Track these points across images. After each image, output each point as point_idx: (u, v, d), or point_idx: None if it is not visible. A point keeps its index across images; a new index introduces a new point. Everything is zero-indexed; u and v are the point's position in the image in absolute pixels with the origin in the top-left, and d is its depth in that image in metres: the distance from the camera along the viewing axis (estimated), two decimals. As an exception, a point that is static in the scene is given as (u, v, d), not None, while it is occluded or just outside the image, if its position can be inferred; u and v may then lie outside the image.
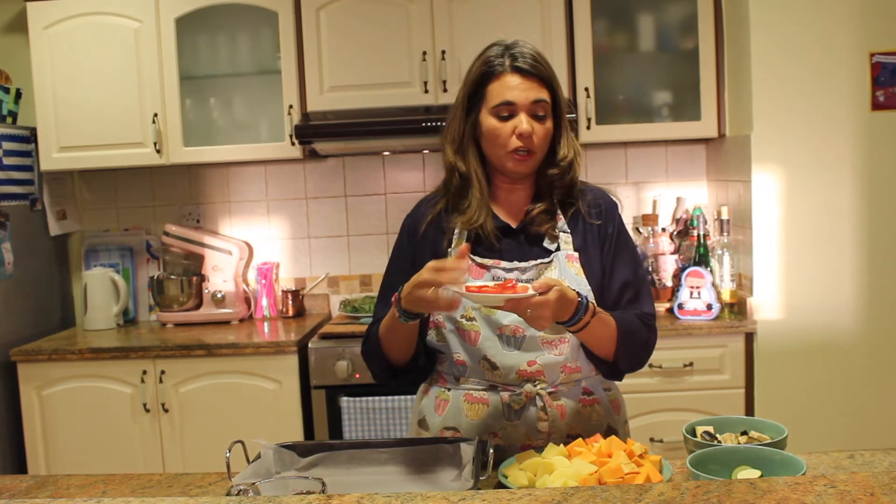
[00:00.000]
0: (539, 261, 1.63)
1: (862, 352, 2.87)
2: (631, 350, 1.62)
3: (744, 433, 1.48)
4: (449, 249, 1.66)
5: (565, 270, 1.62)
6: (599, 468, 1.35)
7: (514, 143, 1.58)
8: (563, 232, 1.66)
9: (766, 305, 2.88)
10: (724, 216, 3.08)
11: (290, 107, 3.17)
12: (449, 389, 1.67)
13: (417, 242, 1.70)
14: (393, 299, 1.54)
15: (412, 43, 3.14)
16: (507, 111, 1.58)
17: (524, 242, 1.66)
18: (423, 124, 2.99)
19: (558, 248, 1.65)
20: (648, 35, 3.19)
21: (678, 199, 3.38)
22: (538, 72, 1.58)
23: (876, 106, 2.81)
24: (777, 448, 1.37)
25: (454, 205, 1.67)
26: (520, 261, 1.63)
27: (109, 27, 3.20)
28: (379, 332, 1.65)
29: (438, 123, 2.99)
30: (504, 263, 1.62)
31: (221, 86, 3.33)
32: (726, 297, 3.04)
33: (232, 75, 3.31)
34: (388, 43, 3.14)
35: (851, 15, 2.79)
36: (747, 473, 1.30)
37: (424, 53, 3.13)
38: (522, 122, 1.57)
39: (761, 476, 1.28)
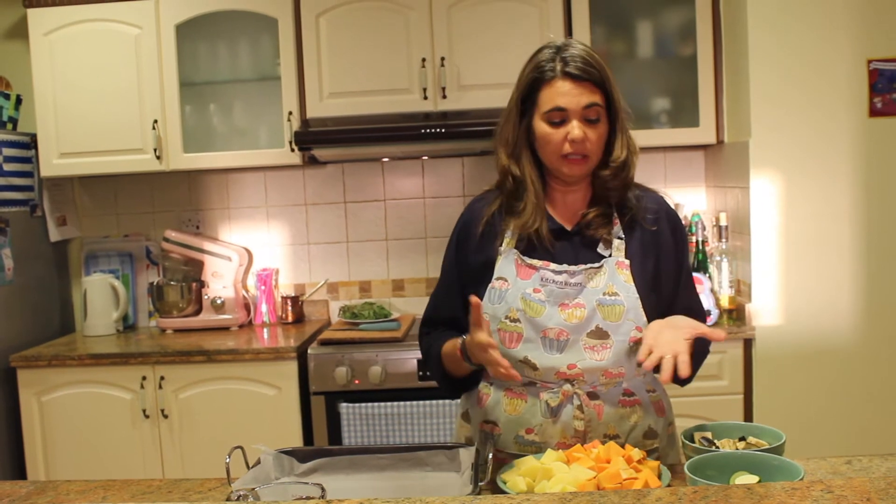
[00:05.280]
0: (589, 265, 1.62)
1: (860, 358, 2.87)
2: (700, 361, 1.65)
3: (742, 439, 1.48)
4: (499, 248, 1.66)
5: (614, 277, 1.61)
6: (598, 474, 1.35)
7: (566, 148, 1.58)
8: (618, 238, 1.65)
9: (764, 311, 2.89)
10: (723, 222, 3.09)
11: (290, 113, 3.18)
12: (491, 384, 1.69)
13: (472, 242, 1.71)
14: (458, 348, 1.63)
15: (411, 49, 3.15)
16: (558, 117, 1.57)
17: (578, 245, 1.66)
18: (423, 131, 3.00)
19: (610, 255, 1.64)
20: (647, 41, 3.20)
21: (676, 206, 3.37)
22: (590, 76, 1.56)
23: (874, 112, 2.82)
24: (775, 454, 1.37)
25: (508, 206, 1.68)
26: (571, 264, 1.63)
27: (110, 34, 3.21)
28: (441, 355, 1.72)
29: (438, 130, 2.99)
30: (554, 266, 1.62)
31: (221, 92, 3.34)
32: (725, 303, 3.04)
33: (232, 82, 3.32)
34: (388, 49, 3.15)
35: (849, 21, 2.80)
36: (745, 479, 1.31)
37: (424, 60, 3.14)
38: (574, 128, 1.56)
39: (759, 482, 1.29)
